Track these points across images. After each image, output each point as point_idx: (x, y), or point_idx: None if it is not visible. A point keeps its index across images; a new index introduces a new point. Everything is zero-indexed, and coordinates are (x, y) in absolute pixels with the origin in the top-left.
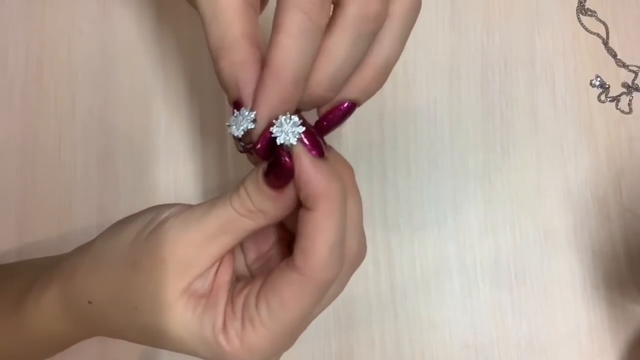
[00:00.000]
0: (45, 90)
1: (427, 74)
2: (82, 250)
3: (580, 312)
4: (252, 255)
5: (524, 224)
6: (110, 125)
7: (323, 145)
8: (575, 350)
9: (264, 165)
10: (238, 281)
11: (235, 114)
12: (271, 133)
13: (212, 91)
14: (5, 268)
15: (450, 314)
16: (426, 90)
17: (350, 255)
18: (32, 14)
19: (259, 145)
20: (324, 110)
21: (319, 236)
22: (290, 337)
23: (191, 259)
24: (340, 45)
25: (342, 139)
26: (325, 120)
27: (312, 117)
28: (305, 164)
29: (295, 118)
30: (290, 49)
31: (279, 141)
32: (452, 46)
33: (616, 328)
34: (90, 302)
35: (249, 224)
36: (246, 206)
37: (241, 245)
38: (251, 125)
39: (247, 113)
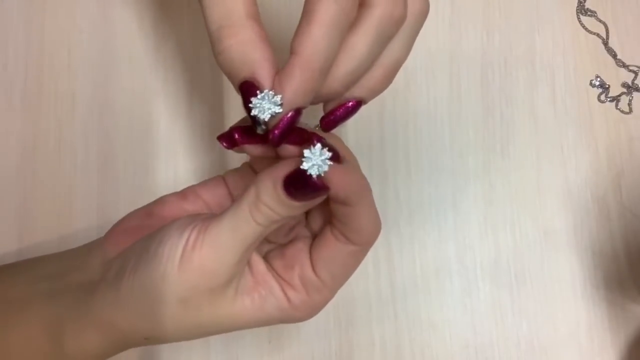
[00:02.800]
0: (45, 89)
1: (427, 74)
2: (106, 302)
3: (580, 312)
4: None
5: (524, 224)
6: (110, 125)
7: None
8: (575, 350)
9: (280, 180)
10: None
11: (259, 96)
12: (304, 170)
13: (212, 91)
14: (4, 271)
15: (450, 314)
16: (426, 90)
17: None
18: (32, 14)
19: (275, 132)
20: (330, 106)
21: (368, 221)
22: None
23: (230, 276)
24: (363, 44)
25: (342, 139)
26: (331, 116)
27: (312, 112)
28: (342, 178)
29: (319, 147)
30: (322, 39)
31: (312, 173)
32: (452, 46)
33: (616, 328)
34: (147, 338)
35: (276, 227)
36: (273, 219)
37: None
38: (278, 109)
39: (272, 96)
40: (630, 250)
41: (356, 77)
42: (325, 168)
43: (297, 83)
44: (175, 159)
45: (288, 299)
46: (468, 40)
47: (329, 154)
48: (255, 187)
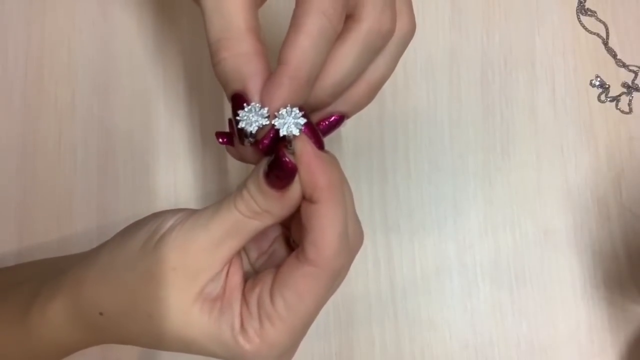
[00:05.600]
0: (45, 90)
1: (427, 74)
2: (87, 261)
3: (580, 312)
4: (254, 254)
5: (524, 224)
6: (110, 125)
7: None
8: (575, 350)
9: (264, 167)
10: (245, 279)
11: (246, 109)
12: (273, 125)
13: (212, 91)
14: (5, 273)
15: (450, 314)
16: (426, 90)
17: (351, 241)
18: (32, 14)
19: (265, 141)
20: (314, 120)
21: (328, 228)
22: (306, 327)
23: (201, 265)
24: (350, 55)
25: (342, 139)
26: None
27: None
28: (310, 156)
29: (297, 110)
30: (310, 49)
31: (281, 132)
32: (452, 46)
33: (616, 328)
34: (101, 313)
35: (256, 224)
36: (252, 208)
37: None
38: (265, 122)
39: (259, 108)
40: (630, 250)
41: (343, 88)
42: (295, 131)
43: (286, 92)
44: (175, 159)
45: (242, 322)
46: (468, 40)
47: (303, 120)
48: (246, 178)
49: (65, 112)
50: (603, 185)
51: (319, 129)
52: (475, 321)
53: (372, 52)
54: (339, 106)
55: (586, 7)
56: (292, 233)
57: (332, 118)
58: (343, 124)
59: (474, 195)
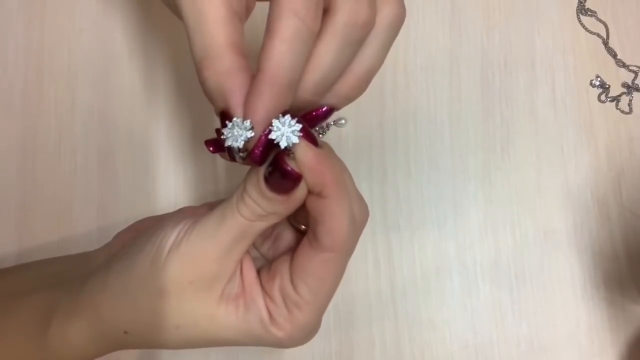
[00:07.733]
0: (45, 90)
1: (427, 74)
2: (96, 284)
3: (580, 312)
4: (258, 239)
5: (524, 224)
6: (110, 125)
7: (315, 135)
8: (575, 350)
9: (263, 172)
10: (258, 270)
11: (229, 126)
12: (272, 140)
13: None
14: (6, 277)
15: (450, 314)
16: (426, 91)
17: (357, 220)
18: (32, 14)
19: (256, 152)
20: (302, 113)
21: (340, 217)
22: (328, 304)
23: (216, 272)
24: (328, 52)
25: (342, 139)
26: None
27: None
28: (314, 161)
29: (289, 117)
30: (285, 54)
31: (282, 145)
32: (452, 46)
33: (616, 328)
34: (126, 332)
35: (262, 225)
36: (256, 213)
37: None
38: (250, 134)
39: (241, 122)
40: (630, 250)
41: (327, 85)
42: (295, 140)
43: (267, 100)
44: (175, 160)
45: (270, 313)
46: (468, 40)
47: (298, 126)
48: (244, 181)
49: (65, 112)
50: (603, 185)
51: (308, 123)
52: (475, 321)
53: (352, 45)
54: (327, 100)
55: (586, 7)
56: (294, 214)
57: (321, 110)
58: (341, 121)
59: (474, 195)
